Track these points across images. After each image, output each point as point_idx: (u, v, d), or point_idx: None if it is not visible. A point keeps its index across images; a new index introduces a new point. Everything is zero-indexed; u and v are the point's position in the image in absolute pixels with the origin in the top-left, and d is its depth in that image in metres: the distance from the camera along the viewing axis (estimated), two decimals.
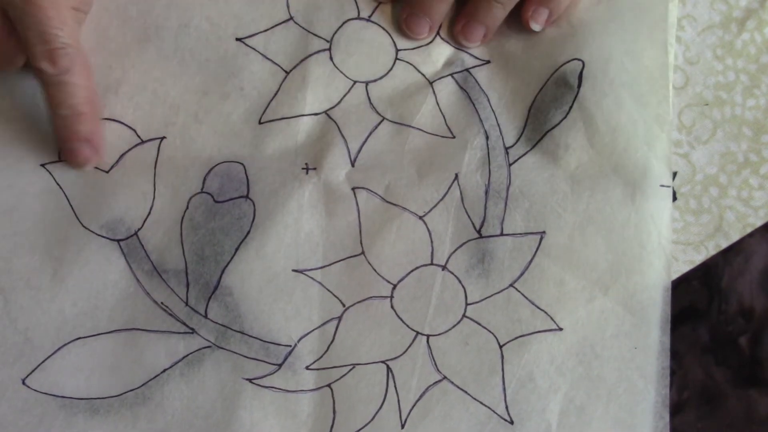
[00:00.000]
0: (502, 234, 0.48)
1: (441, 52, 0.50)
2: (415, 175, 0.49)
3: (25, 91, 0.47)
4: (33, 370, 0.46)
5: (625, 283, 0.48)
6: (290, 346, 0.48)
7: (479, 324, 0.48)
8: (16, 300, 0.46)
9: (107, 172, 0.47)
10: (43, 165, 0.47)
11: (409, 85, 0.50)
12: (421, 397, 0.48)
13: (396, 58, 0.50)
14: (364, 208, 0.48)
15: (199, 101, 0.48)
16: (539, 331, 0.48)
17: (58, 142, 0.47)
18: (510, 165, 0.49)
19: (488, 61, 0.50)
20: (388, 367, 0.48)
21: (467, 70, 0.50)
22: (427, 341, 0.48)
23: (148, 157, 0.48)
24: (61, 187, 0.47)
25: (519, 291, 0.48)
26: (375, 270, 0.48)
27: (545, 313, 0.48)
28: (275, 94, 0.49)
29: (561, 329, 0.48)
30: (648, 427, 0.48)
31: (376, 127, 0.49)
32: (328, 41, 0.49)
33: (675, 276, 0.51)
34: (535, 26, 0.49)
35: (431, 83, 0.50)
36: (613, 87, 0.48)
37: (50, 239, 0.47)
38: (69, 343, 0.46)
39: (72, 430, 0.46)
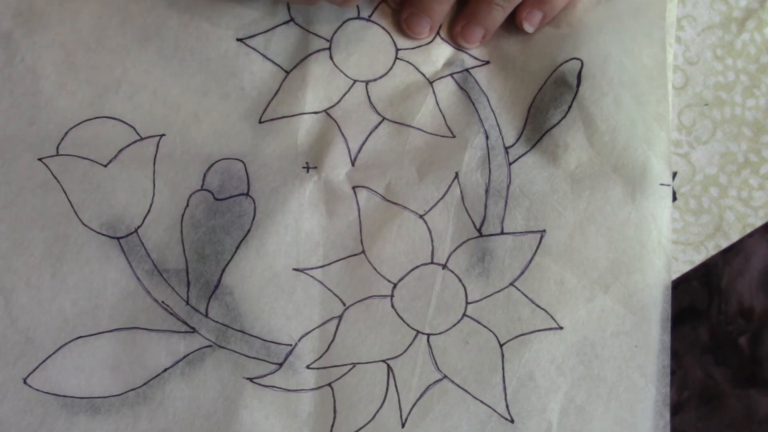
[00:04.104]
0: (502, 233, 0.48)
1: (441, 52, 0.50)
2: (415, 174, 0.49)
3: (26, 87, 0.48)
4: (34, 370, 0.46)
5: (625, 281, 0.48)
6: (291, 345, 0.48)
7: (479, 323, 0.48)
8: (17, 300, 0.46)
9: (105, 166, 0.47)
10: (40, 159, 0.47)
11: (409, 85, 0.50)
12: (421, 396, 0.48)
13: (396, 58, 0.50)
14: (365, 207, 0.48)
15: (200, 101, 0.48)
16: (539, 330, 0.48)
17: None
18: (510, 164, 0.49)
19: (487, 62, 0.51)
20: (388, 366, 0.48)
21: (467, 70, 0.50)
22: (428, 340, 0.48)
23: (146, 154, 0.48)
24: (59, 182, 0.47)
25: (519, 290, 0.48)
26: (375, 269, 0.48)
27: (545, 311, 0.48)
28: (275, 94, 0.49)
29: (561, 328, 0.48)
30: (649, 425, 0.48)
31: (376, 127, 0.49)
32: (328, 41, 0.49)
33: (675, 276, 0.51)
34: (528, 28, 0.49)
35: (431, 83, 0.50)
36: (612, 86, 0.48)
37: (49, 237, 0.47)
38: (70, 342, 0.46)
39: (74, 430, 0.46)
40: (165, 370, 0.47)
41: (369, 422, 0.47)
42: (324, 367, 0.48)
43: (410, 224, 0.48)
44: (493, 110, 0.50)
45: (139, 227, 0.47)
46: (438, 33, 0.50)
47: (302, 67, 0.49)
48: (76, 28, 0.48)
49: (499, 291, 0.48)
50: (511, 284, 0.48)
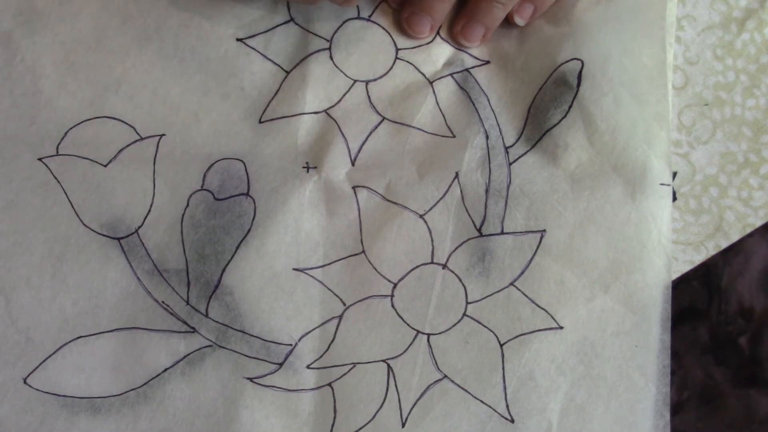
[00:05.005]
0: (502, 233, 0.48)
1: (441, 51, 0.50)
2: (415, 174, 0.49)
3: (26, 87, 0.48)
4: (34, 370, 0.46)
5: (625, 281, 0.48)
6: (291, 345, 0.48)
7: (480, 323, 0.48)
8: (17, 300, 0.46)
9: (105, 166, 0.47)
10: (40, 159, 0.47)
11: (409, 85, 0.50)
12: (421, 396, 0.48)
13: (396, 58, 0.50)
14: (365, 206, 0.48)
15: (200, 101, 0.48)
16: (540, 330, 0.48)
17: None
18: (510, 164, 0.49)
19: (488, 62, 0.51)
20: (388, 365, 0.48)
21: (467, 70, 0.50)
22: (428, 340, 0.48)
23: (146, 154, 0.48)
24: (59, 182, 0.47)
25: (519, 290, 0.48)
26: (375, 269, 0.48)
27: (545, 311, 0.48)
28: (275, 94, 0.49)
29: (561, 328, 0.48)
30: (649, 425, 0.48)
31: (376, 127, 0.49)
32: (328, 41, 0.49)
33: (675, 276, 0.51)
34: (519, 21, 0.49)
35: (431, 83, 0.50)
36: (612, 86, 0.48)
37: (50, 237, 0.47)
38: (70, 342, 0.46)
39: (74, 430, 0.46)
40: (165, 370, 0.47)
41: (369, 422, 0.47)
42: (324, 367, 0.48)
43: (410, 224, 0.48)
44: (493, 110, 0.50)
45: (139, 227, 0.47)
46: (438, 33, 0.50)
47: (302, 67, 0.49)
48: (76, 28, 0.48)
49: (499, 291, 0.48)
50: (511, 284, 0.48)
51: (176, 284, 0.47)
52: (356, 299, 0.48)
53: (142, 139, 0.48)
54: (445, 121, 0.50)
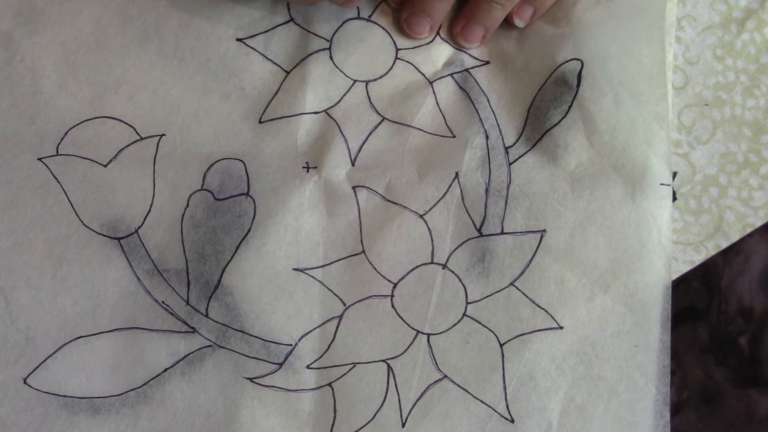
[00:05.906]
0: (502, 232, 0.48)
1: (441, 52, 0.50)
2: (415, 174, 0.49)
3: (26, 87, 0.48)
4: (34, 370, 0.46)
5: (625, 281, 0.48)
6: (291, 345, 0.48)
7: (480, 323, 0.48)
8: (17, 299, 0.46)
9: (105, 166, 0.47)
10: (40, 159, 0.47)
11: (409, 85, 0.50)
12: (421, 395, 0.48)
13: (396, 58, 0.50)
14: (365, 206, 0.48)
15: (200, 101, 0.48)
16: (540, 330, 0.48)
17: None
18: (510, 164, 0.49)
19: (487, 62, 0.51)
20: (388, 365, 0.48)
21: (467, 70, 0.50)
22: (428, 340, 0.48)
23: (146, 154, 0.48)
24: (59, 182, 0.47)
25: (519, 290, 0.48)
26: (375, 269, 0.48)
27: (546, 311, 0.48)
28: (275, 94, 0.49)
29: (561, 328, 0.48)
30: (649, 425, 0.48)
31: (376, 127, 0.49)
32: (328, 41, 0.49)
33: (675, 276, 0.51)
34: (519, 23, 0.49)
35: (431, 83, 0.50)
36: (611, 86, 0.48)
37: (50, 237, 0.47)
38: (70, 342, 0.47)
39: (74, 430, 0.46)
40: (165, 370, 0.47)
41: (369, 422, 0.47)
42: (324, 367, 0.48)
43: (410, 224, 0.48)
44: (493, 110, 0.50)
45: (139, 227, 0.47)
46: (438, 33, 0.50)
47: (302, 67, 0.49)
48: (76, 28, 0.48)
49: (499, 291, 0.48)
50: (512, 284, 0.48)
51: (176, 284, 0.47)
52: (356, 299, 0.48)
53: (142, 139, 0.48)
54: (445, 121, 0.50)
